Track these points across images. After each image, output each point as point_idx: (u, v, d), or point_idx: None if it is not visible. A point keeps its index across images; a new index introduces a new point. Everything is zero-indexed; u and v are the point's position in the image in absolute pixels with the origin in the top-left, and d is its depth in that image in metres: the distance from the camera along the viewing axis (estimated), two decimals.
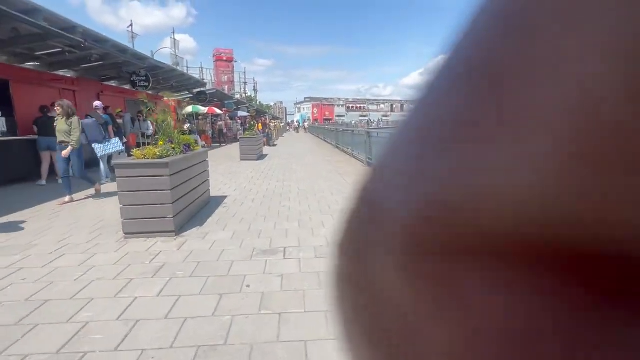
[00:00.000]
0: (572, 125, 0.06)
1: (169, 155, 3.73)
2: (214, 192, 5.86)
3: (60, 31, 6.80)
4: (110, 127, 8.70)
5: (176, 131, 4.32)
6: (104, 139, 7.68)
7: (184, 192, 3.94)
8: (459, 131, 0.08)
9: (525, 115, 0.07)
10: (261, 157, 12.12)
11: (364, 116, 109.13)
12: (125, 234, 3.53)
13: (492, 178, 0.07)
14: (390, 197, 0.10)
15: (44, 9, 6.41)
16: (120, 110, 10.07)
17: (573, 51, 0.06)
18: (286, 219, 4.30)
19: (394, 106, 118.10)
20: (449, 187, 0.08)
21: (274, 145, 19.08)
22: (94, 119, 7.25)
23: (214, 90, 19.08)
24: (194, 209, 4.36)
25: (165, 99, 16.31)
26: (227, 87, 78.93)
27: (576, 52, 0.06)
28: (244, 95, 72.88)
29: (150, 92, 16.54)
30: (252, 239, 3.54)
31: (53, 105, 7.83)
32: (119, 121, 9.81)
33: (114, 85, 12.56)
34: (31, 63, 8.75)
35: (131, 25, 37.86)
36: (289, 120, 71.51)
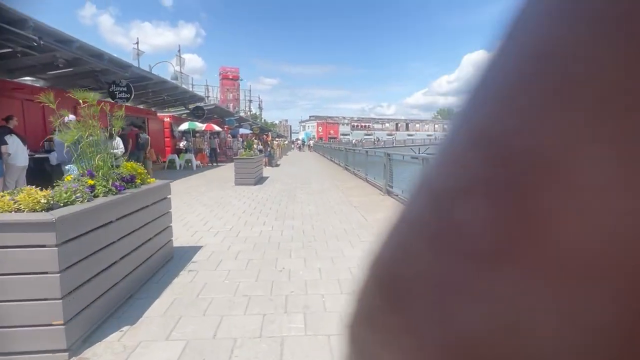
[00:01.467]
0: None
1: (71, 202, 2.06)
2: (185, 238, 4.18)
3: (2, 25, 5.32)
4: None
5: (102, 156, 2.65)
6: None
7: (101, 265, 2.26)
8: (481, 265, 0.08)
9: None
10: (260, 180, 10.48)
11: (369, 135, 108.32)
12: None
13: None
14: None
15: None
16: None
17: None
18: (284, 303, 2.58)
19: (399, 125, 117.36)
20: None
21: (277, 165, 17.48)
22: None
23: (213, 106, 17.71)
24: (130, 284, 2.65)
25: (160, 114, 14.83)
26: (232, 104, 78.62)
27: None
28: (248, 112, 72.32)
29: (142, 107, 15.19)
30: None
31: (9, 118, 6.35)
32: None
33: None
34: None
35: (137, 42, 37.28)
36: (294, 139, 70.33)
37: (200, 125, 17.11)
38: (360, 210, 5.98)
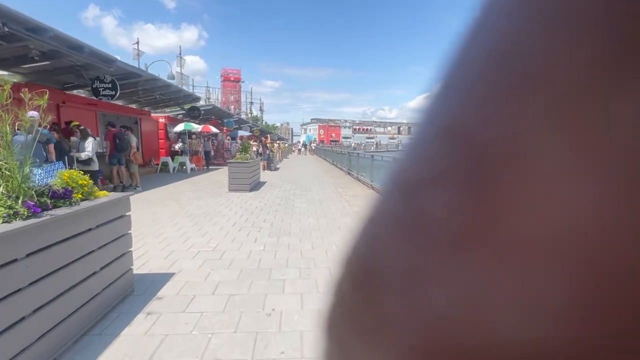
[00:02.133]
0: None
1: None
2: (156, 260, 3.41)
3: None
4: (51, 146, 6.41)
5: (18, 165, 1.87)
6: (46, 162, 5.36)
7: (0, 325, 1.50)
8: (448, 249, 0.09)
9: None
10: (257, 186, 9.71)
11: (371, 138, 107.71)
12: None
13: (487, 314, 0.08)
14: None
15: None
16: (77, 124, 7.75)
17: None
18: None
19: (401, 128, 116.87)
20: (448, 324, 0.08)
21: (276, 169, 16.71)
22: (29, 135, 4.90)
23: (210, 106, 16.97)
24: (52, 343, 1.88)
25: (154, 115, 14.06)
26: (233, 106, 78.09)
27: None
28: (249, 115, 71.75)
29: (134, 106, 14.47)
30: None
31: None
32: (73, 139, 7.51)
33: (82, 95, 10.39)
34: None
35: (137, 42, 36.73)
36: (295, 141, 69.60)
37: (196, 127, 16.39)
38: None
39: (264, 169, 15.21)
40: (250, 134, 23.27)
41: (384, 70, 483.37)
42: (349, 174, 13.89)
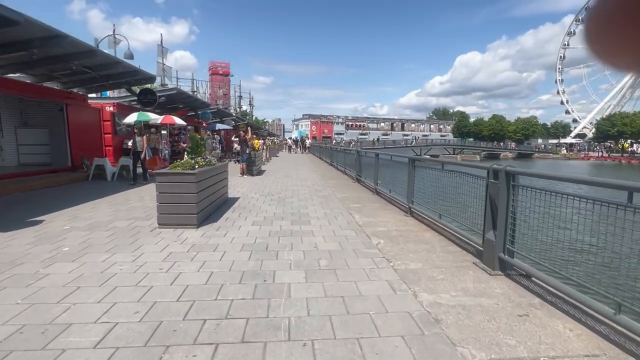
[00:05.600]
0: None
1: None
2: None
3: None
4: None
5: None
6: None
7: None
8: None
9: None
10: (218, 210, 5.91)
11: (364, 134, 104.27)
12: None
13: None
14: None
15: None
16: None
17: None
18: None
19: (394, 125, 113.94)
20: None
21: (259, 172, 12.83)
22: None
23: (173, 91, 12.97)
24: None
25: (95, 102, 9.84)
26: (222, 101, 73.42)
27: None
28: (238, 109, 67.37)
29: (57, 87, 10.44)
30: None
31: None
32: None
33: None
34: None
35: (113, 28, 32.08)
36: (287, 137, 65.20)
37: (154, 117, 12.42)
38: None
39: (242, 174, 11.34)
40: (230, 127, 19.27)
41: (377, 68, 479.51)
42: (358, 180, 10.12)
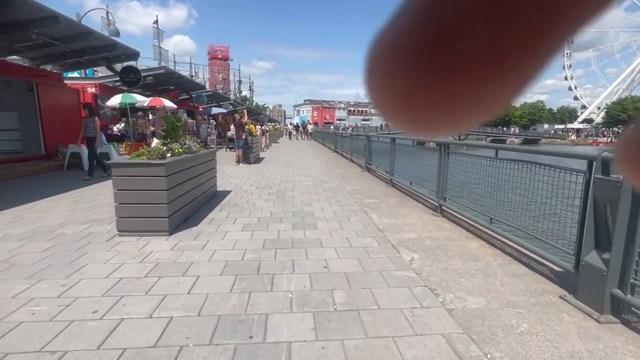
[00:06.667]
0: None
1: None
2: None
3: None
4: None
5: None
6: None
7: None
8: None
9: None
10: (201, 209, 4.83)
11: (366, 120, 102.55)
12: None
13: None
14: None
15: None
16: None
17: None
18: None
19: None
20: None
21: (257, 160, 11.70)
22: None
23: (162, 70, 11.70)
24: None
25: (74, 83, 8.94)
26: (222, 86, 71.66)
27: None
28: (237, 94, 65.81)
29: (25, 63, 9.21)
30: None
31: None
32: None
33: None
34: None
35: (107, 9, 30.34)
36: (287, 123, 63.55)
37: (141, 99, 11.22)
38: None
39: (237, 162, 10.20)
40: (225, 111, 18.04)
41: None
42: (368, 169, 8.99)
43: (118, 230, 3.51)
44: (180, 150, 4.11)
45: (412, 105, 0.12)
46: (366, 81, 0.13)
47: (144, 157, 3.52)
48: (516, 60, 0.10)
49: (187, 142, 4.32)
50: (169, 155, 3.74)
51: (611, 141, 53.53)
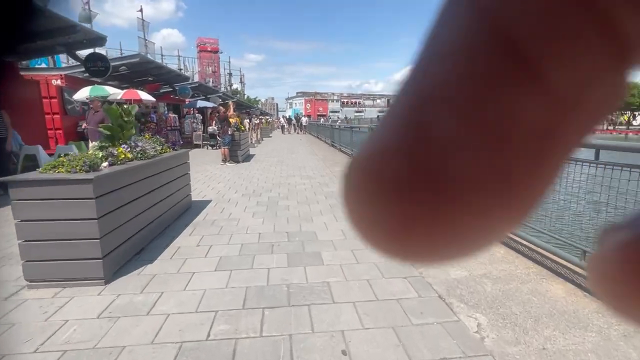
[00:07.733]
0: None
1: None
2: None
3: None
4: None
5: None
6: None
7: None
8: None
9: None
10: (164, 232, 3.67)
11: (360, 112, 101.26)
12: None
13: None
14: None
15: None
16: None
17: None
18: None
19: (391, 102, 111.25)
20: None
21: (246, 158, 10.50)
22: None
23: (136, 59, 10.34)
24: None
25: (38, 74, 7.59)
26: (211, 79, 69.61)
27: None
28: (228, 87, 63.98)
29: None
30: None
31: None
32: None
33: None
34: None
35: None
36: (279, 116, 61.94)
37: (113, 92, 9.93)
38: None
39: (224, 161, 9.00)
40: (214, 105, 16.72)
41: (372, 42, 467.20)
42: None
43: (27, 280, 2.35)
44: (129, 155, 2.93)
45: (401, 242, 0.10)
46: (346, 207, 0.11)
47: (62, 170, 2.34)
48: (524, 183, 0.09)
49: (141, 144, 3.13)
50: (105, 165, 2.56)
51: (606, 129, 52.88)
